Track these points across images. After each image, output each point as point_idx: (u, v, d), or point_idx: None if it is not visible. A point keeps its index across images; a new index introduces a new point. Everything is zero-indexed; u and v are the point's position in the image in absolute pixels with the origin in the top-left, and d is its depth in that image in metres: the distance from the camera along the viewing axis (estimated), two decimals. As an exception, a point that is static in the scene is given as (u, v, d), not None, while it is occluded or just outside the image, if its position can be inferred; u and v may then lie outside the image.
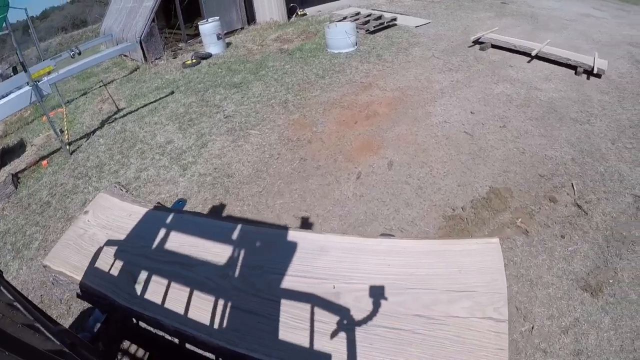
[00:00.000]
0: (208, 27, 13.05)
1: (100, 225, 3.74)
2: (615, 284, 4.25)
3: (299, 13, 16.54)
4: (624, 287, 4.23)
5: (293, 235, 3.14)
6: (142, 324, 3.23)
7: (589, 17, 15.85)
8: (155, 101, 10.07)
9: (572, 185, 5.61)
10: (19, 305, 2.07)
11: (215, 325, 2.68)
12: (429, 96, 8.61)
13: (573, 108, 7.85)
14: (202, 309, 2.80)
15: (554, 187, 5.63)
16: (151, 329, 3.20)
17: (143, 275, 3.12)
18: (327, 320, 2.50)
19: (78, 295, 3.41)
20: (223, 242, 3.24)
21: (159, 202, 5.84)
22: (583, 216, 5.13)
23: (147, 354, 3.60)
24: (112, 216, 3.83)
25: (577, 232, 4.90)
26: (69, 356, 1.88)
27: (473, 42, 11.57)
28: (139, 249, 3.37)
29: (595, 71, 8.93)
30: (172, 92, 10.45)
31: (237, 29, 15.59)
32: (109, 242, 3.52)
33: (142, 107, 9.93)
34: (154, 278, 3.09)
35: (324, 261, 2.85)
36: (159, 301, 2.92)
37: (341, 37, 11.36)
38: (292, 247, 3.03)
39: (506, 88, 8.84)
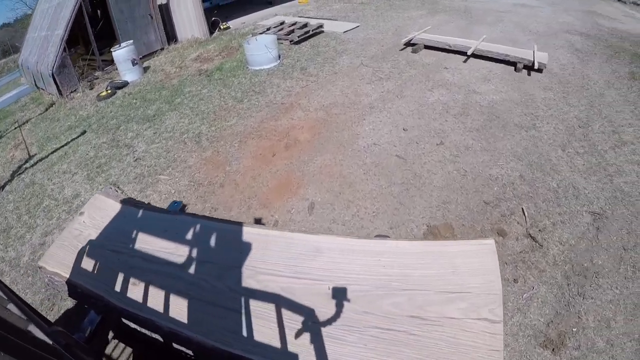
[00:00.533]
0: (121, 53, 12.67)
1: (96, 227, 3.91)
2: (580, 332, 4.04)
3: (222, 27, 16.69)
4: (590, 333, 4.01)
5: (288, 236, 3.36)
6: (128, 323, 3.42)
7: (524, 6, 16.94)
8: (66, 144, 9.55)
9: (523, 211, 5.39)
10: (13, 306, 2.15)
11: (211, 327, 2.86)
12: (356, 113, 8.48)
13: (516, 111, 7.96)
14: (198, 310, 2.99)
15: (502, 216, 5.37)
16: (146, 331, 3.36)
17: (139, 276, 3.31)
18: (321, 321, 2.72)
19: (70, 295, 3.59)
20: (219, 243, 3.45)
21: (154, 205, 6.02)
22: (538, 250, 4.88)
23: (131, 353, 3.75)
24: (108, 217, 4.00)
25: (532, 272, 4.65)
26: (64, 356, 1.99)
27: (404, 44, 11.85)
28: (135, 250, 3.57)
29: (536, 66, 9.33)
30: (84, 132, 10.00)
31: (156, 50, 15.39)
32: (105, 243, 3.70)
33: (53, 152, 9.35)
34: (150, 279, 3.27)
35: (318, 262, 3.07)
36: (154, 302, 3.10)
37: (262, 52, 11.36)
38: (287, 248, 3.25)
39: (442, 95, 8.86)
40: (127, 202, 4.27)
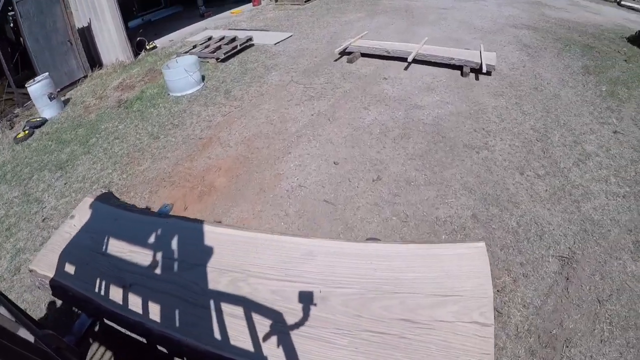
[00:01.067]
0: (36, 88, 11.46)
1: (87, 230, 4.10)
2: None
3: (148, 47, 16.01)
4: None
5: (279, 240, 3.60)
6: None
7: (467, 1, 17.86)
8: (-26, 201, 8.37)
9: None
10: (3, 309, 2.37)
11: (202, 330, 3.05)
12: (281, 145, 7.99)
13: (465, 127, 7.66)
14: (189, 313, 3.19)
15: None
16: (130, 333, 3.48)
17: (129, 279, 3.51)
18: (314, 325, 2.94)
19: (58, 296, 3.81)
20: (210, 246, 3.65)
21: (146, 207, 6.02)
22: (497, 319, 4.26)
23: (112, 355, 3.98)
24: (99, 220, 4.20)
25: (489, 352, 4.34)
26: (55, 359, 2.15)
27: (339, 53, 11.83)
28: (126, 253, 3.76)
29: (484, 69, 9.26)
30: (-3, 184, 8.82)
31: (79, 79, 14.16)
32: (95, 246, 3.88)
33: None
34: (141, 282, 3.47)
35: (311, 265, 3.32)
36: (145, 305, 3.29)
37: (182, 76, 10.84)
38: (279, 251, 3.48)
39: (380, 113, 8.49)
40: (118, 206, 4.48)
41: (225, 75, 11.81)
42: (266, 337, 2.89)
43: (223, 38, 14.03)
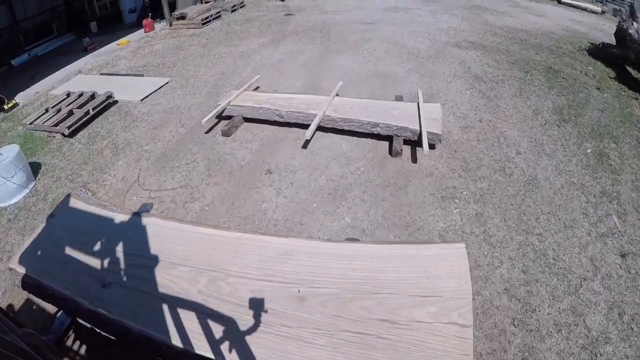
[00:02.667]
0: None
1: (66, 229, 3.70)
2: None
3: (7, 107, 9.72)
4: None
5: (259, 239, 3.21)
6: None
7: (397, 11, 13.56)
8: None
9: None
10: None
11: (181, 329, 2.69)
12: None
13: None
14: (168, 312, 2.81)
15: None
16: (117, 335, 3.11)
17: (109, 278, 3.13)
18: (292, 325, 2.56)
19: (37, 295, 3.43)
20: (190, 246, 3.28)
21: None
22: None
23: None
24: (78, 219, 3.81)
25: None
26: (33, 358, 1.86)
27: (217, 118, 7.06)
28: (105, 252, 3.38)
29: (424, 149, 5.18)
30: None
31: None
32: (75, 245, 3.49)
33: None
34: (119, 281, 3.10)
35: (289, 265, 2.93)
36: (124, 304, 2.93)
37: None
38: (258, 251, 3.10)
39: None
40: (98, 205, 4.06)
41: (65, 165, 6.62)
42: (246, 337, 2.55)
43: (81, 95, 8.69)
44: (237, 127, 6.92)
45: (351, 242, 3.12)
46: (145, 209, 5.22)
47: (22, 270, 3.43)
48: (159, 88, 9.33)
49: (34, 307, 4.16)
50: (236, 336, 2.56)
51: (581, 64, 8.79)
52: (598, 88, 7.72)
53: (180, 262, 3.16)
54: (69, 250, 3.52)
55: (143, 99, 8.89)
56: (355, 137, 6.24)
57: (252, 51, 11.05)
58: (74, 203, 4.09)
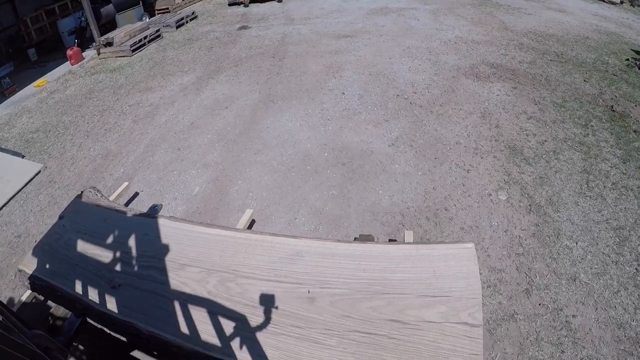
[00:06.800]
0: None
1: (76, 230, 3.68)
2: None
3: None
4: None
5: (269, 240, 3.17)
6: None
7: (387, 13, 10.34)
8: None
9: None
10: None
11: (191, 330, 2.68)
12: None
13: None
14: (178, 313, 2.81)
15: None
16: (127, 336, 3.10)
17: (118, 279, 3.12)
18: (302, 325, 2.53)
19: (47, 297, 3.45)
20: (199, 246, 3.25)
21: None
22: None
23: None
24: (88, 221, 3.79)
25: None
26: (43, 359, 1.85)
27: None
28: (115, 254, 3.36)
29: None
30: None
31: None
32: (84, 246, 3.49)
33: None
34: (130, 282, 3.09)
35: (299, 266, 2.90)
36: (133, 305, 2.93)
37: None
38: (268, 252, 3.07)
39: None
40: (107, 207, 4.04)
41: None
42: (255, 338, 2.53)
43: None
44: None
45: (361, 243, 3.07)
46: (155, 209, 5.20)
47: (31, 271, 3.44)
48: (25, 185, 6.90)
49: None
50: (246, 336, 2.53)
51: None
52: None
53: (189, 263, 3.14)
54: (78, 252, 3.51)
55: (3, 206, 6.42)
56: None
57: (165, 102, 8.46)
58: (83, 204, 4.09)
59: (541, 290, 3.72)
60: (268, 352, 2.43)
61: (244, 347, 2.49)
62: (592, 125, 5.59)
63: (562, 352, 3.24)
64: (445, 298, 2.45)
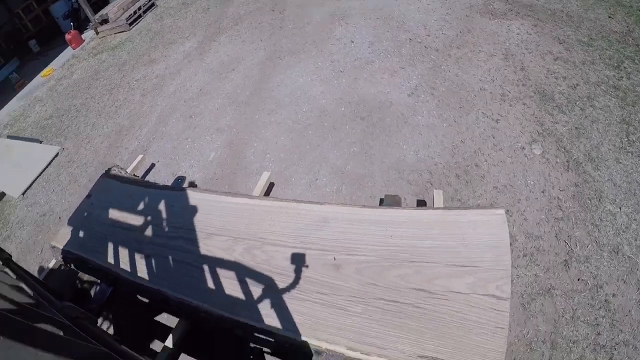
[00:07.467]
0: None
1: (104, 207, 3.86)
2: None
3: None
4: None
5: (294, 207, 3.17)
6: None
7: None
8: None
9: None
10: (24, 285, 2.18)
11: (218, 296, 2.75)
12: None
13: None
14: (205, 280, 2.88)
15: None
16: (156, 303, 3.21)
17: (147, 250, 3.23)
18: (327, 292, 2.53)
19: (79, 268, 3.57)
20: (225, 216, 3.31)
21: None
22: None
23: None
24: (115, 197, 3.95)
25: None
26: (73, 330, 1.86)
27: None
28: (142, 226, 3.49)
29: None
30: None
31: None
32: (113, 221, 3.66)
33: None
34: (159, 252, 3.20)
35: (324, 232, 2.88)
36: (162, 274, 3.04)
37: None
38: (293, 219, 3.07)
39: None
40: (133, 182, 4.18)
41: None
42: (281, 304, 2.57)
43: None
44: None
45: (389, 208, 2.99)
46: (179, 182, 5.26)
47: (63, 247, 3.61)
48: (46, 167, 7.22)
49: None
50: (272, 302, 2.56)
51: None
52: None
53: (216, 232, 3.19)
54: (107, 226, 3.66)
55: (24, 192, 6.85)
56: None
57: (171, 72, 8.34)
58: (109, 183, 4.23)
59: (581, 262, 3.46)
60: (294, 317, 2.46)
61: (270, 313, 2.52)
62: (624, 67, 4.94)
63: (598, 334, 3.08)
64: (474, 268, 2.39)
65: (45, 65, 12.10)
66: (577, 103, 4.60)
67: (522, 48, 5.38)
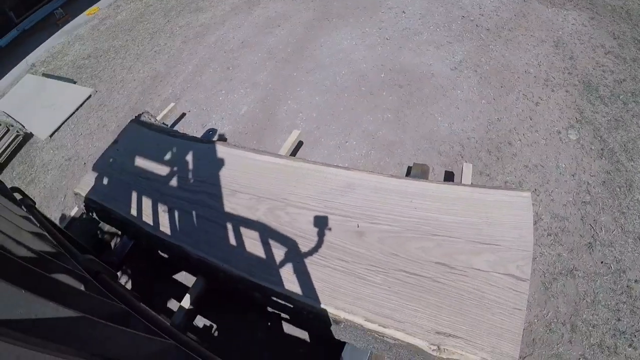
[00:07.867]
0: None
1: (129, 155, 3.80)
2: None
3: None
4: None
5: (320, 170, 3.13)
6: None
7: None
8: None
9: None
10: (47, 235, 2.13)
11: (239, 256, 2.73)
12: None
13: None
14: (226, 239, 2.86)
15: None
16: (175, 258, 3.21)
17: (170, 203, 3.21)
18: (348, 259, 2.51)
19: (101, 218, 3.55)
20: (250, 173, 3.28)
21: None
22: None
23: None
24: (141, 145, 3.87)
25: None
26: (92, 284, 1.86)
27: None
28: (167, 178, 3.46)
29: None
30: None
31: None
32: (138, 171, 3.60)
33: None
34: (180, 206, 3.19)
35: (349, 198, 2.85)
36: (184, 229, 3.01)
37: None
38: (319, 182, 3.03)
39: None
40: (161, 131, 4.07)
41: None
42: (302, 269, 2.54)
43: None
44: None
45: (415, 180, 2.93)
46: (210, 135, 5.20)
47: (86, 194, 3.59)
48: (76, 110, 7.19)
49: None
50: (292, 266, 2.56)
51: None
52: None
53: (240, 190, 3.16)
54: (131, 175, 3.62)
55: (52, 134, 6.80)
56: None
57: (216, 22, 8.18)
58: (137, 129, 4.14)
59: (605, 246, 3.43)
60: (313, 283, 2.45)
61: (290, 277, 2.52)
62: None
63: (618, 320, 3.06)
64: (495, 247, 2.36)
65: (93, 3, 11.91)
66: (621, 97, 4.48)
67: (575, 38, 5.24)
